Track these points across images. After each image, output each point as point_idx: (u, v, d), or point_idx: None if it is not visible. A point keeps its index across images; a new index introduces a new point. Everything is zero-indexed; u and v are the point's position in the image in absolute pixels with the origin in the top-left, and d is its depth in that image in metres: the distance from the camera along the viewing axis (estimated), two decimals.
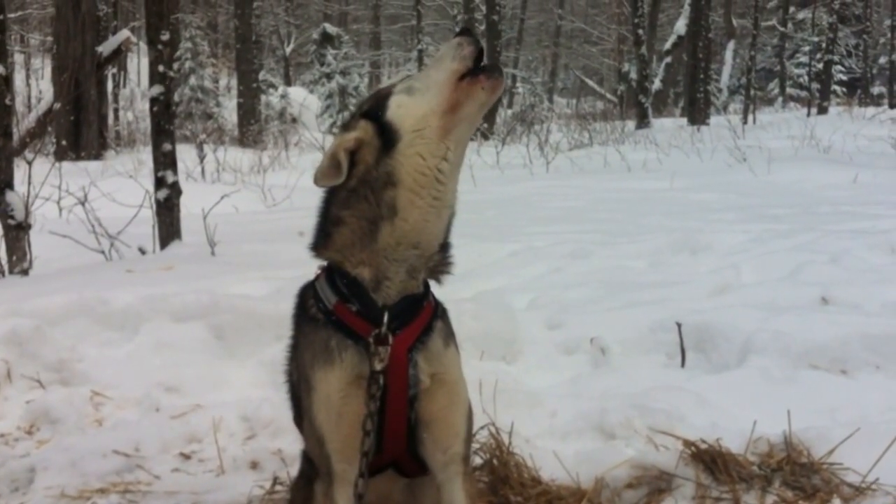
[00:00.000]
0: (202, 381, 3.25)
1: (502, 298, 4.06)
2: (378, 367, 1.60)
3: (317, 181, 1.68)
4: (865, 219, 5.92)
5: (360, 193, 1.64)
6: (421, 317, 1.68)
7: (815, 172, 9.50)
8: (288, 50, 35.98)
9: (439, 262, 1.71)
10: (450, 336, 1.75)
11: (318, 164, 1.71)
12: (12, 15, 26.53)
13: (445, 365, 1.70)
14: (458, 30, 1.69)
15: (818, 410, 2.75)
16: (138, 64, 33.35)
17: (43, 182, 5.45)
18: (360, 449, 1.61)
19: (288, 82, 31.97)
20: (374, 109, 1.67)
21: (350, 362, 1.63)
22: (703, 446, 2.44)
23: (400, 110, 1.63)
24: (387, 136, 1.63)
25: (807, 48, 32.99)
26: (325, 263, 1.72)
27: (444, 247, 1.72)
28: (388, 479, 1.82)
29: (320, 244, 1.70)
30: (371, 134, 1.64)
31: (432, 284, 1.75)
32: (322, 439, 1.67)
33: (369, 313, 1.63)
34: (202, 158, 12.21)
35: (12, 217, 4.75)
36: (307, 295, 1.74)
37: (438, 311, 1.74)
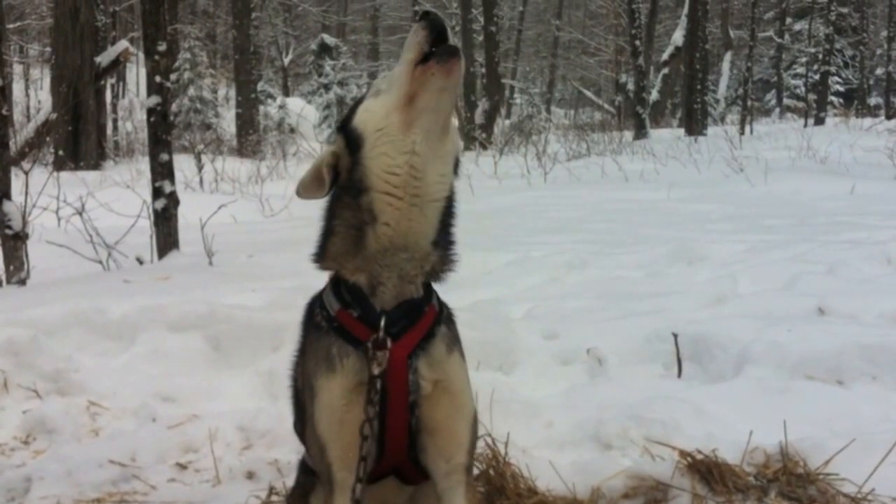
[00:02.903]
0: (199, 391, 3.25)
1: (499, 308, 4.06)
2: (376, 371, 1.59)
3: (298, 193, 1.73)
4: (862, 229, 5.94)
5: (344, 202, 1.66)
6: (422, 322, 1.66)
7: (812, 183, 9.54)
8: (286, 61, 36.09)
9: (438, 262, 1.69)
10: (454, 342, 1.73)
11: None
12: (11, 25, 26.62)
13: (448, 372, 1.68)
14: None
15: (814, 421, 2.75)
16: (137, 74, 33.41)
17: (41, 192, 5.46)
18: (359, 454, 1.61)
19: (286, 93, 32.05)
20: (345, 119, 1.70)
21: (351, 369, 1.63)
22: (700, 457, 2.44)
23: (365, 114, 1.64)
24: (354, 143, 1.64)
25: (804, 59, 33.19)
26: (328, 273, 1.73)
27: (444, 245, 1.69)
28: (390, 488, 1.81)
29: (319, 255, 1.72)
30: (342, 145, 1.67)
31: (437, 287, 1.74)
32: (324, 447, 1.67)
33: (369, 318, 1.63)
34: (200, 168, 12.24)
35: (10, 227, 4.74)
36: (314, 304, 1.75)
37: (443, 317, 1.72)
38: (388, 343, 1.61)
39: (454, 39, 1.61)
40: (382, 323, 1.61)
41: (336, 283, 1.70)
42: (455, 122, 1.72)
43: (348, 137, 1.66)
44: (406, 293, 1.65)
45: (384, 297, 1.64)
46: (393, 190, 1.61)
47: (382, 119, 1.61)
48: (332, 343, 1.65)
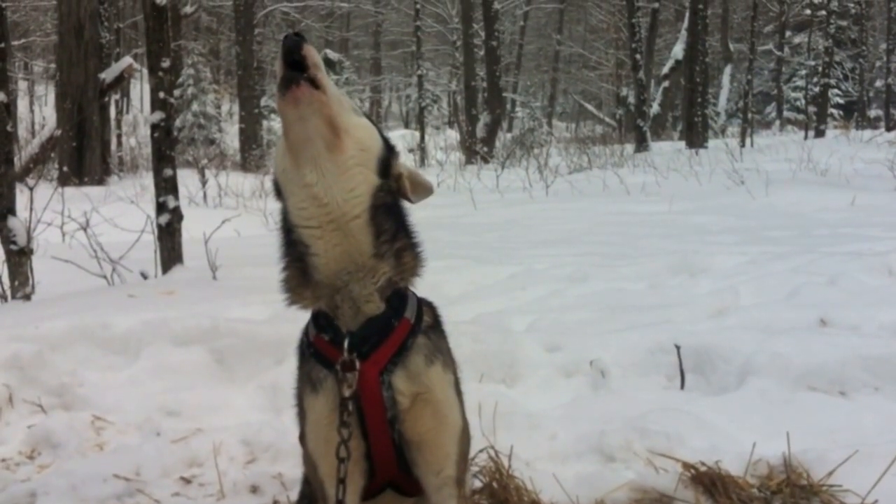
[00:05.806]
0: (203, 405, 3.26)
1: (502, 321, 4.06)
2: (346, 393, 1.61)
3: None
4: (863, 241, 5.95)
5: (288, 240, 1.71)
6: (393, 337, 1.66)
7: (813, 195, 9.55)
8: None
9: (393, 272, 1.67)
10: (436, 353, 1.70)
11: None
12: (16, 42, 26.79)
13: (428, 385, 1.67)
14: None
15: (817, 432, 2.75)
16: (141, 90, 33.60)
17: (45, 207, 5.48)
18: (336, 476, 1.62)
19: None
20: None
21: (331, 391, 1.65)
22: (703, 468, 2.45)
23: (275, 160, 1.72)
24: (278, 190, 1.71)
25: (803, 72, 33.29)
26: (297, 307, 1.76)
27: (395, 253, 1.67)
28: (390, 501, 1.82)
29: (282, 291, 1.74)
30: (275, 193, 1.75)
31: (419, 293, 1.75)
32: (315, 464, 1.71)
33: (338, 341, 1.65)
34: (204, 183, 12.28)
35: (14, 242, 4.77)
36: (304, 329, 1.78)
37: (421, 328, 1.70)
38: (357, 364, 1.62)
39: (319, 54, 1.59)
40: (346, 344, 1.62)
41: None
42: (355, 122, 1.65)
43: (276, 186, 1.72)
44: (367, 311, 1.65)
45: (346, 319, 1.66)
46: (307, 222, 1.64)
47: (282, 160, 1.67)
48: (311, 368, 1.69)
